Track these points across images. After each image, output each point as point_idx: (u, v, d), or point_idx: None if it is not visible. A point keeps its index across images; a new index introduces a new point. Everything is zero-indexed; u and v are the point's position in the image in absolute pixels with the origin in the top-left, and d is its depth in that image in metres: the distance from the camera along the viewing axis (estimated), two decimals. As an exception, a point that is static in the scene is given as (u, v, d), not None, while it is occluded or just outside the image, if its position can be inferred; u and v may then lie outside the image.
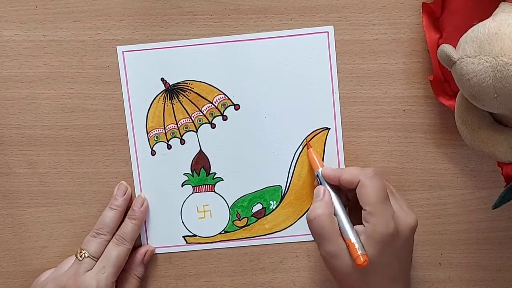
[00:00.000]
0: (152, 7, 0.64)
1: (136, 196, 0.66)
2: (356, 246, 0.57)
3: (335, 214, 0.60)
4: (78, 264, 0.63)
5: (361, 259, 0.56)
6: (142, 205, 0.65)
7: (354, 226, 0.59)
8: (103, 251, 0.63)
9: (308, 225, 0.59)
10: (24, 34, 0.65)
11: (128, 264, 0.66)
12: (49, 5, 0.64)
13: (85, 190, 0.67)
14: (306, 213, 0.60)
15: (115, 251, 0.63)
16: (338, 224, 0.59)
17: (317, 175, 0.63)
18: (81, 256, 0.63)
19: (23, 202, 0.67)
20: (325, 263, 0.60)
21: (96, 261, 0.63)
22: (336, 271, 0.59)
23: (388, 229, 0.57)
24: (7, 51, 0.65)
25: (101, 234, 0.64)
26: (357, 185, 0.59)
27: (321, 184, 0.62)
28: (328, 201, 0.60)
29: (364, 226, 0.58)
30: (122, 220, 0.66)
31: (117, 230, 0.65)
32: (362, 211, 0.58)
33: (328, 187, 0.61)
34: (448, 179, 0.66)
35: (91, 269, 0.63)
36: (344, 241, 0.58)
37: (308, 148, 0.65)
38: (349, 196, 0.63)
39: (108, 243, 0.64)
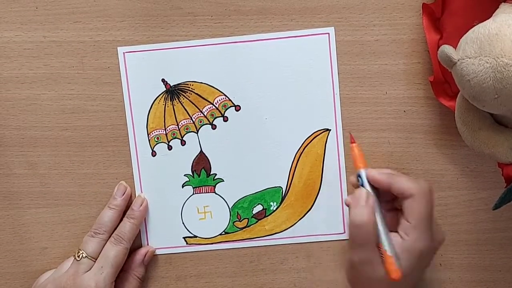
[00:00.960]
0: (152, 8, 0.64)
1: (136, 196, 0.66)
2: (394, 259, 0.56)
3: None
4: (76, 264, 0.63)
5: (397, 273, 0.56)
6: (141, 205, 0.65)
7: (391, 235, 0.58)
8: (101, 251, 0.63)
9: (350, 229, 0.58)
10: (25, 35, 0.65)
11: (128, 264, 0.66)
12: (49, 6, 0.64)
13: (86, 191, 0.67)
14: (350, 216, 0.58)
15: (112, 251, 0.63)
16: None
17: (360, 176, 0.60)
18: (79, 257, 0.63)
19: (23, 203, 0.67)
20: (350, 268, 0.59)
21: (94, 261, 0.63)
22: (364, 278, 0.58)
23: (427, 247, 0.57)
24: (7, 52, 0.65)
25: (99, 233, 0.64)
26: (406, 196, 0.57)
27: (362, 184, 0.60)
28: (372, 207, 0.58)
29: (401, 237, 0.57)
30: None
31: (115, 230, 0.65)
32: (403, 221, 0.57)
33: (371, 191, 0.59)
34: (449, 180, 0.66)
35: (90, 269, 0.62)
36: (379, 250, 0.57)
37: (351, 143, 0.62)
38: (383, 199, 0.60)
39: (105, 243, 0.64)
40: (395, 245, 0.57)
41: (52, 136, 0.66)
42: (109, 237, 0.64)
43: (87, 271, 0.62)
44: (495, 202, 0.60)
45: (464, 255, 0.67)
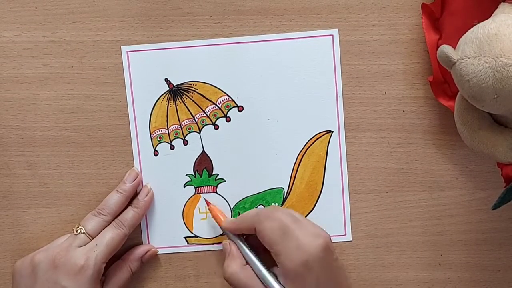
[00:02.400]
0: (151, 8, 0.64)
1: (143, 186, 0.66)
2: (274, 286, 0.58)
3: (248, 263, 0.61)
4: (72, 238, 0.63)
5: None
6: (146, 195, 0.65)
7: (272, 269, 0.60)
8: (100, 231, 0.63)
9: (229, 284, 0.61)
10: (24, 35, 0.65)
11: (127, 254, 0.66)
12: (48, 6, 0.64)
13: (85, 191, 0.67)
14: (223, 274, 0.61)
15: (110, 233, 0.63)
16: (255, 273, 0.60)
17: (221, 229, 0.65)
18: (77, 231, 0.63)
19: (23, 203, 0.67)
20: None
21: (91, 239, 0.63)
22: None
23: (295, 262, 0.57)
24: (6, 52, 0.65)
25: (102, 214, 0.64)
26: (254, 230, 0.60)
27: (229, 237, 0.64)
28: (235, 254, 0.62)
29: (278, 265, 0.59)
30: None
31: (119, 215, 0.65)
32: (271, 253, 0.59)
33: (235, 238, 0.63)
34: (448, 179, 0.66)
35: (84, 245, 0.62)
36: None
37: (208, 205, 0.66)
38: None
39: (107, 225, 0.64)
40: (278, 277, 0.59)
41: (51, 136, 0.66)
42: (111, 220, 0.64)
43: (81, 246, 0.62)
44: (494, 202, 0.61)
45: (463, 255, 0.67)
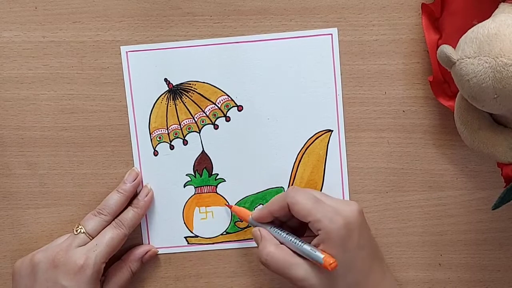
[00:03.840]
0: (151, 8, 0.64)
1: (143, 186, 0.66)
2: (316, 253, 0.57)
3: (282, 243, 0.60)
4: (72, 238, 0.63)
5: (328, 261, 0.56)
6: (146, 196, 0.66)
7: (312, 242, 0.59)
8: (100, 231, 0.63)
9: (267, 268, 0.60)
10: (24, 35, 0.65)
11: (127, 255, 0.66)
12: (48, 6, 0.64)
13: (85, 191, 0.67)
14: (259, 259, 0.60)
15: (110, 233, 0.63)
16: (292, 250, 0.59)
17: (250, 223, 0.64)
18: (77, 231, 0.63)
19: (23, 203, 0.67)
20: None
21: (91, 239, 0.63)
22: None
23: (337, 225, 0.57)
24: (6, 52, 0.65)
25: (102, 214, 0.64)
26: (286, 207, 0.60)
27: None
28: (267, 236, 0.61)
29: (318, 235, 0.58)
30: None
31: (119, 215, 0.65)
32: (309, 225, 0.59)
33: (265, 225, 0.62)
34: (448, 179, 0.66)
35: (84, 245, 0.62)
36: (307, 260, 0.58)
37: (230, 208, 0.66)
38: (293, 223, 0.63)
39: (107, 225, 0.64)
40: (318, 245, 0.58)
41: (51, 136, 0.66)
42: (111, 220, 0.64)
43: (81, 246, 0.62)
44: (494, 202, 0.61)
45: (463, 255, 0.67)
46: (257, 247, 0.62)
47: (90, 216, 0.64)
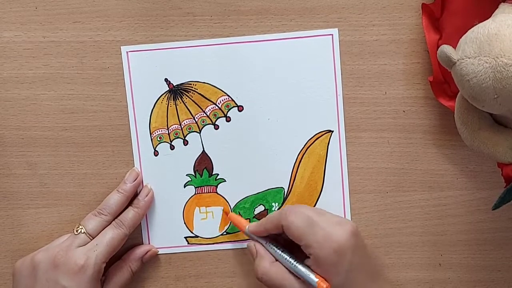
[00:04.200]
0: (152, 8, 0.64)
1: (143, 186, 0.66)
2: (310, 276, 0.59)
3: (277, 260, 0.62)
4: (72, 238, 0.63)
5: (322, 285, 0.58)
6: (146, 195, 0.66)
7: (304, 261, 0.60)
8: (100, 231, 0.63)
9: (263, 284, 0.61)
10: (24, 35, 0.65)
11: (127, 254, 0.66)
12: (49, 6, 0.64)
13: (85, 191, 0.67)
14: (255, 274, 0.62)
15: (110, 233, 0.63)
16: (287, 268, 0.61)
17: (246, 234, 0.65)
18: (77, 231, 0.63)
19: (23, 203, 0.67)
20: None
21: (91, 239, 0.63)
22: None
23: (327, 251, 0.58)
24: (7, 52, 0.65)
25: (102, 214, 0.64)
26: (280, 224, 0.60)
27: (253, 239, 0.64)
28: (263, 252, 0.62)
29: (310, 258, 0.59)
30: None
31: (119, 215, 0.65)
32: (301, 247, 0.60)
33: (260, 239, 0.63)
34: (448, 180, 0.66)
35: (84, 245, 0.62)
36: (300, 279, 0.60)
37: (227, 214, 0.66)
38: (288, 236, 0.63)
39: (107, 225, 0.64)
40: (311, 267, 0.59)
41: (51, 136, 0.66)
42: (112, 220, 0.64)
43: (81, 246, 0.62)
44: (494, 202, 0.61)
45: (463, 255, 0.67)
46: (253, 261, 0.63)
47: (90, 216, 0.64)
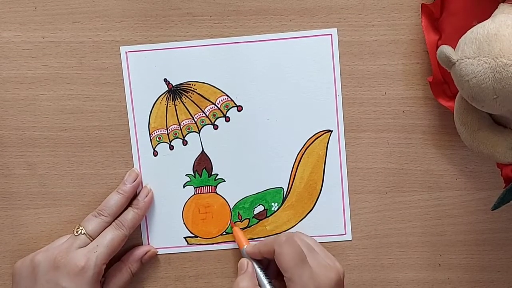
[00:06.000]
0: (151, 9, 0.64)
1: (143, 186, 0.66)
2: None
3: (260, 285, 0.62)
4: (73, 239, 0.63)
5: None
6: (146, 196, 0.66)
7: None
8: (100, 232, 0.63)
9: None
10: (24, 35, 0.65)
11: (126, 256, 0.66)
12: (48, 6, 0.64)
13: (85, 192, 0.67)
14: (234, 284, 0.62)
15: (110, 234, 0.63)
16: None
17: (242, 253, 0.65)
18: (77, 232, 0.63)
19: (22, 203, 0.67)
20: None
21: (91, 241, 0.63)
22: None
23: (317, 284, 0.58)
24: (6, 52, 0.65)
25: (102, 215, 0.64)
26: (272, 254, 0.61)
27: (247, 259, 0.65)
28: (251, 273, 0.63)
29: None
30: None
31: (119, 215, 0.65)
32: (284, 278, 0.60)
33: (253, 261, 0.64)
34: (448, 180, 0.66)
35: (85, 246, 0.62)
36: None
37: (233, 227, 0.66)
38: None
39: (107, 226, 0.64)
40: None
41: (51, 137, 0.66)
42: (112, 220, 0.64)
43: (82, 247, 0.62)
44: (494, 203, 0.61)
45: (463, 256, 0.67)
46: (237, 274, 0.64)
47: (90, 217, 0.64)
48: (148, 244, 0.67)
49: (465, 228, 0.67)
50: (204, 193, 0.67)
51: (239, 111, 0.65)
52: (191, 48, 0.65)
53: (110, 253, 0.63)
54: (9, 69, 0.65)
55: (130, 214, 0.65)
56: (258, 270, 0.63)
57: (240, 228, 0.67)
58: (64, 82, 0.65)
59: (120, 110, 0.66)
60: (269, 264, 0.65)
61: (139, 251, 0.66)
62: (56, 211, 0.67)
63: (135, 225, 0.65)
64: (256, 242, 0.65)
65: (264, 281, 0.63)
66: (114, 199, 0.65)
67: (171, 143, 0.66)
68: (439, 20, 0.62)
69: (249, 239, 0.67)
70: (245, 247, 0.65)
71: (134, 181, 0.65)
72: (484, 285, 0.67)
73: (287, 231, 0.66)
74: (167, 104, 0.65)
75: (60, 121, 0.66)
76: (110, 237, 0.63)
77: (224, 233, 0.67)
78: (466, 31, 0.54)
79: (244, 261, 0.64)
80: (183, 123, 0.66)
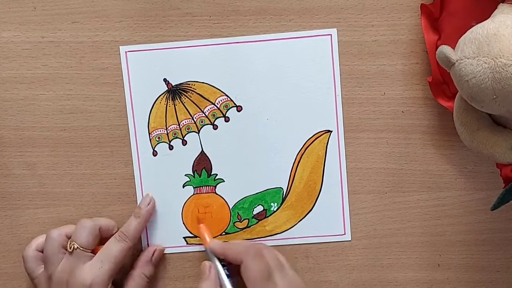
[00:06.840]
0: (151, 8, 0.64)
1: (144, 195, 0.66)
2: None
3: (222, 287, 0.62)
4: (74, 258, 0.62)
5: None
6: (148, 204, 0.65)
7: None
8: (92, 240, 0.63)
9: None
10: (23, 35, 0.65)
11: (136, 263, 0.65)
12: (47, 6, 0.64)
13: (84, 192, 0.67)
14: None
15: (114, 247, 0.63)
16: None
17: (206, 251, 0.65)
18: (70, 248, 0.62)
19: (21, 203, 0.67)
20: None
21: (88, 252, 0.62)
22: None
23: None
24: (5, 52, 0.65)
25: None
26: (239, 263, 0.61)
27: (210, 259, 0.64)
28: (213, 278, 0.62)
29: None
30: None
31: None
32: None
33: (217, 262, 0.64)
34: (447, 180, 0.66)
35: (88, 262, 0.62)
36: None
37: (198, 224, 0.66)
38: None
39: (96, 233, 0.63)
40: None
41: (50, 137, 0.66)
42: (99, 225, 0.64)
43: (85, 263, 0.62)
44: (493, 203, 0.61)
45: (462, 256, 0.67)
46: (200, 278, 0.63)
47: (81, 228, 0.63)
48: (148, 244, 0.67)
49: (464, 228, 0.67)
50: (203, 193, 0.67)
51: (238, 111, 0.65)
52: (190, 48, 0.65)
53: (116, 267, 0.62)
54: (9, 69, 0.65)
55: (132, 224, 0.64)
56: (221, 272, 0.63)
57: (240, 229, 0.67)
58: (63, 82, 0.65)
59: (120, 110, 0.66)
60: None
61: (147, 254, 0.66)
62: (56, 211, 0.67)
63: (138, 234, 0.65)
64: (221, 242, 0.65)
65: (227, 284, 0.62)
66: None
67: (171, 143, 0.66)
68: (439, 20, 0.62)
69: (248, 239, 0.67)
70: (210, 244, 0.64)
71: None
72: (483, 285, 0.67)
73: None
74: (167, 104, 0.65)
75: (60, 121, 0.66)
76: (115, 251, 0.62)
77: (224, 233, 0.67)
78: (466, 31, 0.54)
79: (207, 264, 0.63)
80: (183, 123, 0.66)
